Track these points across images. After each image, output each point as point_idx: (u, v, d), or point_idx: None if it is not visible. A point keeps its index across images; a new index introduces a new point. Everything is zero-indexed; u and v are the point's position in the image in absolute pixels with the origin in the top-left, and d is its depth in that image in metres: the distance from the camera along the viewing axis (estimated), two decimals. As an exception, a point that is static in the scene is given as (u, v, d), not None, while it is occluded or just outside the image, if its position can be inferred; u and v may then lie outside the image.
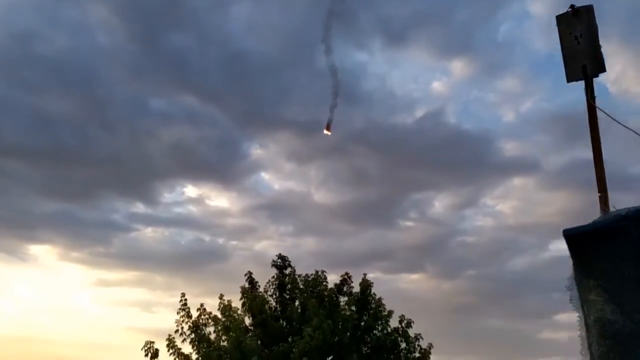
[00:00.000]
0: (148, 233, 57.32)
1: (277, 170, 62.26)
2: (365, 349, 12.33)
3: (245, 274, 12.77)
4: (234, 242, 62.94)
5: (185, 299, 11.91)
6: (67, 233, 56.08)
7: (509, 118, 70.78)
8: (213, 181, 67.99)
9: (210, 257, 55.40)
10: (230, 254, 58.02)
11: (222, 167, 54.76)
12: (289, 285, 12.71)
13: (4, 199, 48.60)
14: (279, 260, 12.89)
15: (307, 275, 12.95)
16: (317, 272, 12.94)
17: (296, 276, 12.85)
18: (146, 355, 11.33)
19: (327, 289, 12.69)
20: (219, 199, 71.22)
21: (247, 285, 12.72)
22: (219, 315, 12.13)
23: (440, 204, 69.23)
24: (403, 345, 12.30)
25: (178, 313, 11.77)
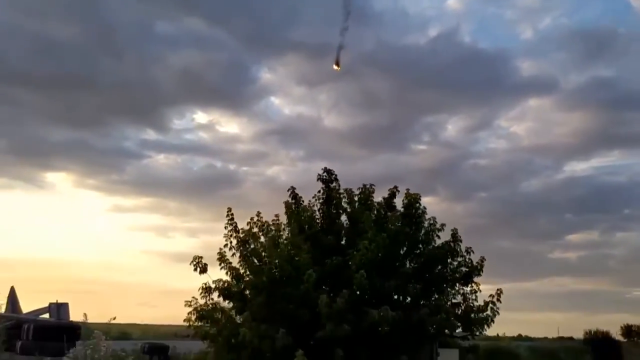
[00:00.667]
0: (160, 160, 56.63)
1: (286, 94, 60.39)
2: (415, 263, 12.08)
3: (289, 189, 12.36)
4: (245, 168, 62.26)
5: (232, 213, 11.55)
6: (81, 161, 55.79)
7: (526, 35, 67.16)
8: (222, 107, 66.57)
9: (222, 183, 54.85)
10: (242, 179, 57.64)
11: (231, 92, 53.12)
12: (334, 201, 12.32)
13: (19, 128, 47.90)
14: (325, 174, 12.41)
15: (352, 189, 12.54)
16: (364, 186, 12.51)
17: (341, 191, 12.44)
18: (195, 270, 11.12)
19: (375, 203, 12.30)
20: (229, 125, 69.63)
21: (290, 200, 12.34)
22: (259, 233, 11.74)
23: (453, 126, 67.84)
24: (454, 259, 12.03)
25: (226, 227, 11.46)
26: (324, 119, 51.20)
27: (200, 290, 11.18)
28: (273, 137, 57.50)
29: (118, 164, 55.08)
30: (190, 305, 11.30)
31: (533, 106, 65.39)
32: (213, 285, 11.18)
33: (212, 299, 11.30)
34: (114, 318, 10.65)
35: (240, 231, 11.44)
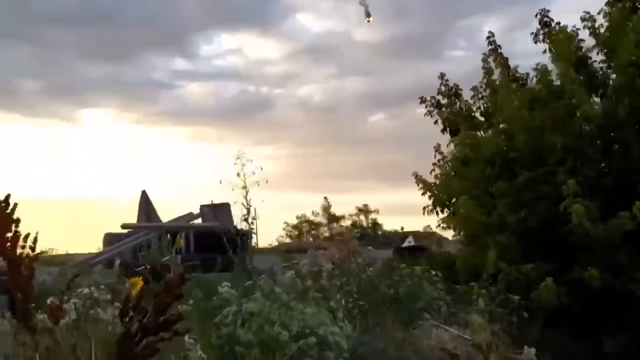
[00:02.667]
0: (193, 89, 54.60)
1: (313, 9, 55.05)
2: None
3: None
4: (278, 90, 59.36)
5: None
6: (115, 96, 54.32)
7: None
8: (248, 28, 62.25)
9: (257, 107, 52.63)
10: (276, 102, 54.72)
11: (255, 12, 48.73)
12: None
13: (52, 67, 46.17)
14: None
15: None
16: None
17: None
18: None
19: None
20: (258, 47, 66.01)
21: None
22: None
23: (489, 27, 60.36)
24: None
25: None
26: (353, 32, 46.41)
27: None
28: (303, 56, 53.88)
29: (152, 96, 52.97)
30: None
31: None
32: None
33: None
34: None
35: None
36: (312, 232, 38.84)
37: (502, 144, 7.14)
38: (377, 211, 40.54)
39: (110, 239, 10.43)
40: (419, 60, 54.63)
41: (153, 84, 50.33)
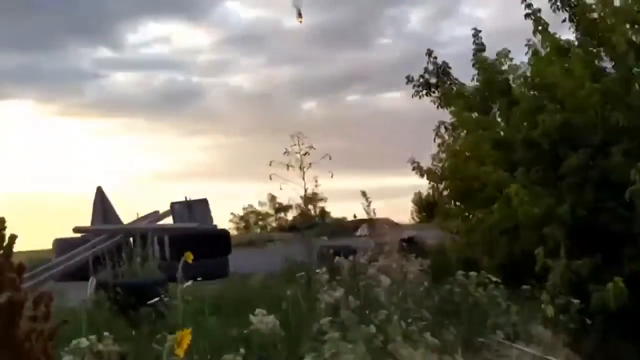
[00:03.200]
0: (119, 78, 52.29)
1: None
2: None
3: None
4: (208, 79, 58.55)
5: None
6: (37, 86, 51.19)
7: None
8: (177, 16, 60.69)
9: (188, 96, 51.63)
10: (206, 91, 53.78)
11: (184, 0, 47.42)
12: None
13: None
14: None
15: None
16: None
17: None
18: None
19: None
20: (186, 36, 64.51)
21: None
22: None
23: (416, 17, 62.39)
24: None
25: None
26: (283, 20, 46.33)
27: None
28: (233, 44, 53.29)
29: (76, 87, 50.46)
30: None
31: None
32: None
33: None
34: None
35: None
36: (260, 222, 37.62)
37: (557, 122, 6.23)
38: (325, 199, 39.83)
39: (61, 246, 8.88)
40: (349, 48, 54.99)
41: (77, 74, 47.31)
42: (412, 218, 59.56)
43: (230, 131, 51.56)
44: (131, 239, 8.37)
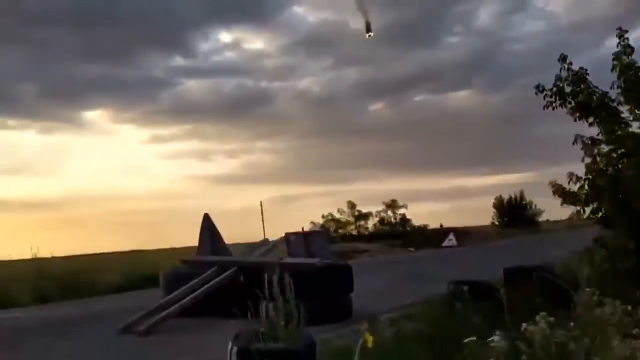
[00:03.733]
0: (192, 86, 53.77)
1: (309, 1, 54.19)
2: None
3: None
4: (276, 84, 58.88)
5: None
6: (114, 95, 53.46)
7: None
8: (245, 22, 61.42)
9: (256, 101, 52.11)
10: (274, 95, 53.88)
11: (251, 5, 47.65)
12: None
13: (47, 69, 44.77)
14: None
15: None
16: None
17: None
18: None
19: None
20: (255, 41, 65.48)
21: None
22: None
23: (485, 12, 59.03)
24: None
25: None
26: (350, 22, 45.83)
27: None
28: (300, 48, 53.50)
29: (151, 95, 52.63)
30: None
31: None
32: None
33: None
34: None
35: None
36: (340, 230, 36.90)
37: None
38: (405, 206, 38.59)
39: (167, 279, 8.43)
40: (415, 47, 53.75)
41: (152, 83, 49.11)
42: (493, 222, 57.02)
43: (298, 134, 51.55)
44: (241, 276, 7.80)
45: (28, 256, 17.90)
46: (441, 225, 34.02)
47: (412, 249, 26.92)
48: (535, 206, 57.72)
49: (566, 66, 8.74)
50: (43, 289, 13.71)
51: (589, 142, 8.59)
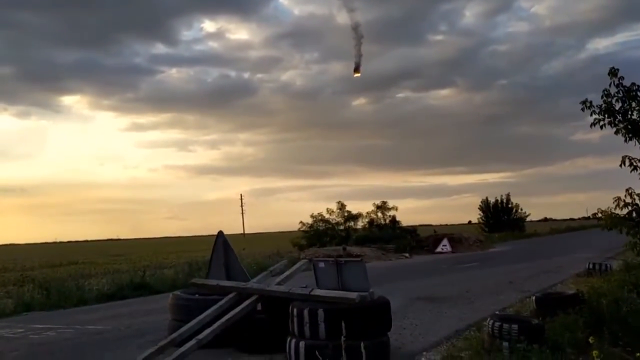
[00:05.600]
0: (173, 74, 52.90)
1: None
2: None
3: None
4: (259, 75, 58.52)
5: None
6: (94, 81, 52.18)
7: None
8: (229, 12, 60.77)
9: (238, 92, 51.64)
10: (258, 87, 53.37)
11: None
12: None
13: (26, 52, 43.24)
14: None
15: None
16: None
17: None
18: None
19: None
20: (239, 32, 64.62)
21: None
22: None
23: (471, 12, 59.68)
24: None
25: None
26: (335, 16, 45.91)
27: None
28: (285, 40, 53.59)
29: (132, 82, 51.96)
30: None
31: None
32: None
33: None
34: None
35: None
36: (329, 232, 36.15)
37: None
38: (395, 208, 38.00)
39: (178, 302, 7.56)
40: (400, 44, 53.72)
41: (132, 70, 47.90)
42: (480, 226, 56.78)
43: (280, 127, 50.84)
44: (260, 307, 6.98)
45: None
46: (435, 231, 33.47)
47: (406, 254, 26.30)
48: (521, 209, 57.76)
49: (616, 81, 8.04)
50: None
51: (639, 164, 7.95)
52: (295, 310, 6.27)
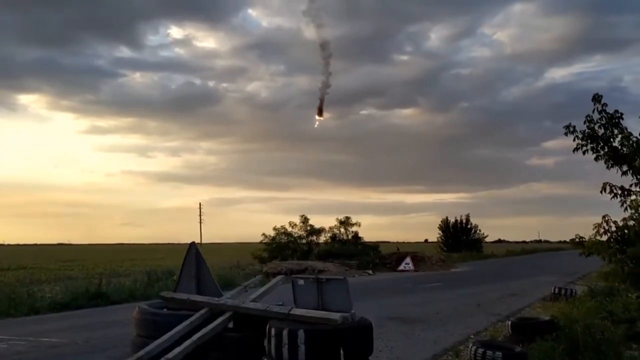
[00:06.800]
0: (137, 78, 52.32)
1: (264, 5, 54.41)
2: None
3: None
4: (224, 85, 58.70)
5: None
6: (54, 81, 50.89)
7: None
8: (198, 20, 60.86)
9: (202, 100, 51.66)
10: (222, 96, 53.51)
11: (206, 3, 46.98)
12: None
13: None
14: None
15: None
16: None
17: None
18: None
19: None
20: (206, 40, 64.69)
21: None
22: None
23: (436, 35, 62.31)
24: None
25: None
26: (303, 30, 46.84)
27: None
28: (252, 51, 54.37)
29: (93, 84, 51.19)
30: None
31: (517, 11, 59.17)
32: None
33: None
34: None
35: None
36: (291, 245, 35.72)
37: None
38: (358, 224, 37.91)
39: (144, 317, 7.09)
40: (366, 62, 54.74)
41: (95, 71, 46.76)
42: (439, 245, 57.37)
43: (243, 137, 50.53)
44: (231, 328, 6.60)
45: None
46: (398, 249, 33.52)
47: (370, 271, 26.16)
48: (480, 230, 58.76)
49: (599, 107, 8.10)
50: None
51: (619, 191, 8.01)
52: (273, 330, 5.93)
